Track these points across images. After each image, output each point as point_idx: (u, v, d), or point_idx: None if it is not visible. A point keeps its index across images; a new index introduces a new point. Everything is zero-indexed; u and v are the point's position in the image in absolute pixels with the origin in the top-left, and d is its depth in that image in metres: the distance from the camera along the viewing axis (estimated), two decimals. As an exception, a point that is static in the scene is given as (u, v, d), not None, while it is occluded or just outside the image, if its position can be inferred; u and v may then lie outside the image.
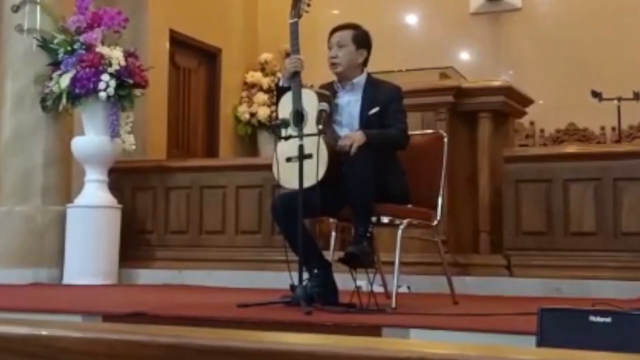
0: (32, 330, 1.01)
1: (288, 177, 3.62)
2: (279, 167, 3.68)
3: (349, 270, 3.52)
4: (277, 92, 3.91)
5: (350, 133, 3.68)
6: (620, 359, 0.89)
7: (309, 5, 3.88)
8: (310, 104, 3.69)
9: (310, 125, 3.62)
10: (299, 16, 3.86)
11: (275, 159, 3.70)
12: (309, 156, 3.54)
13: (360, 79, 3.86)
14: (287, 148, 3.65)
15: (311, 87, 3.91)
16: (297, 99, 3.72)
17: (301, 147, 3.55)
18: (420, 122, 5.09)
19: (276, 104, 3.90)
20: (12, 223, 5.80)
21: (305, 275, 3.59)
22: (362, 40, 3.88)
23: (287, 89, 3.80)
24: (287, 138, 3.70)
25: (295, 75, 3.76)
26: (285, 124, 3.70)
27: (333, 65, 3.84)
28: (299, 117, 3.68)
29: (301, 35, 3.85)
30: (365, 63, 3.92)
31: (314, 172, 3.49)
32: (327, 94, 3.78)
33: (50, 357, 0.99)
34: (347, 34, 3.86)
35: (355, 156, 3.53)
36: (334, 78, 3.92)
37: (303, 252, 3.57)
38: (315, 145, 3.51)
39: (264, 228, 5.77)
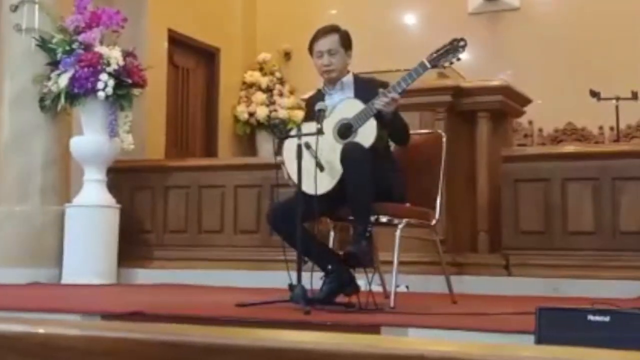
0: (31, 328, 1.01)
1: (309, 182, 3.50)
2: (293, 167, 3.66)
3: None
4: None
5: (391, 95, 3.60)
6: (619, 357, 0.89)
7: (452, 63, 3.81)
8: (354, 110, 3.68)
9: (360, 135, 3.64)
10: (434, 66, 3.78)
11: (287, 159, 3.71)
12: (322, 168, 3.53)
13: (349, 78, 3.86)
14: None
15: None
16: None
17: (300, 147, 3.55)
18: (419, 122, 5.10)
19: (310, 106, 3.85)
20: (11, 223, 5.80)
21: (320, 274, 3.62)
22: (348, 41, 3.88)
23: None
24: (285, 137, 3.68)
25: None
26: (283, 123, 3.70)
27: (328, 72, 3.81)
28: (347, 129, 3.68)
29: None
30: None
31: (327, 180, 3.53)
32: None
33: (49, 355, 0.98)
34: (335, 40, 3.82)
35: (354, 156, 3.54)
36: (320, 85, 3.92)
37: (316, 254, 3.61)
38: (335, 159, 3.54)
39: (263, 227, 5.76)
